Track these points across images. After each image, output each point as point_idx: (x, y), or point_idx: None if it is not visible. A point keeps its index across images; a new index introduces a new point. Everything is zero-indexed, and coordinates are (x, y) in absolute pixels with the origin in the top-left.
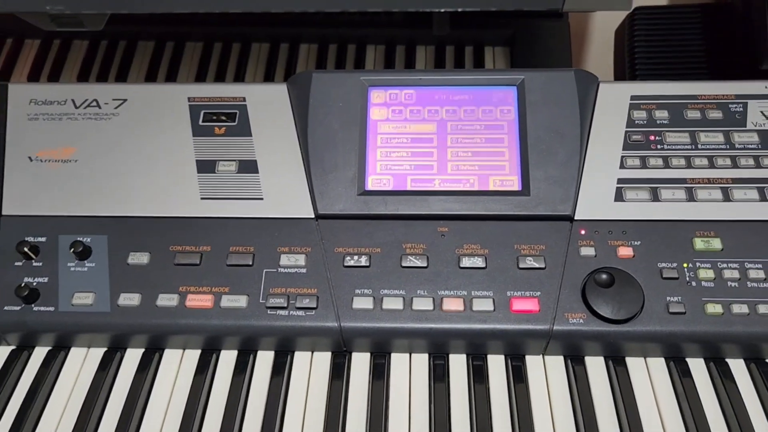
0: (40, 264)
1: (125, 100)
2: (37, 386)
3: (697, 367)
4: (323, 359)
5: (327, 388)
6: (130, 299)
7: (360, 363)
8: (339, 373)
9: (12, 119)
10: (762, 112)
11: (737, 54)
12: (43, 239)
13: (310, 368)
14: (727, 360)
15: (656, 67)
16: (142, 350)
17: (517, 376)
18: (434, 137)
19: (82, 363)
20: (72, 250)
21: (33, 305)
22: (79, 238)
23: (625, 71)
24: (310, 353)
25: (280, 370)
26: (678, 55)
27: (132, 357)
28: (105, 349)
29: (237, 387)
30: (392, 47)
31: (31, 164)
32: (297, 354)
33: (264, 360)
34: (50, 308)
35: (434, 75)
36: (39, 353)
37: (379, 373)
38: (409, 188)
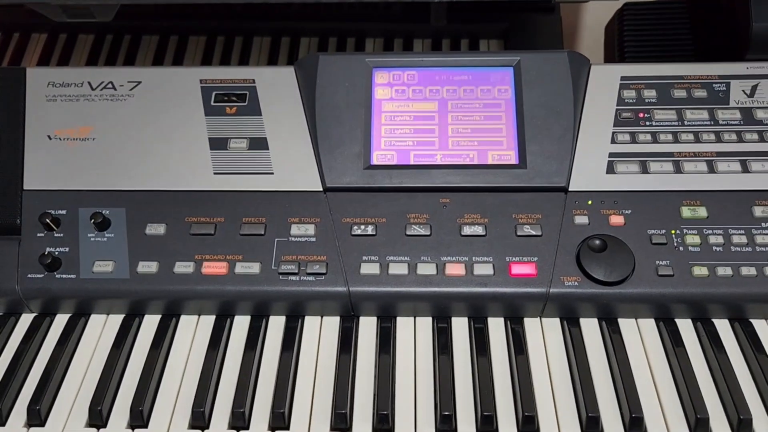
0: (62, 235)
1: (140, 83)
2: (59, 351)
3: (685, 327)
4: (332, 323)
5: (336, 351)
6: (148, 267)
7: (367, 326)
8: (347, 336)
9: (31, 100)
10: (743, 90)
11: (723, 47)
12: (64, 212)
13: (320, 332)
14: (713, 320)
15: (646, 60)
16: (160, 316)
17: (516, 338)
18: (435, 115)
19: (102, 328)
20: (92, 221)
21: (56, 273)
22: (98, 210)
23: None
24: (319, 318)
25: (292, 334)
26: (667, 49)
27: (150, 322)
28: (124, 315)
29: (250, 350)
30: (390, 40)
31: (50, 142)
32: (307, 318)
33: (276, 325)
34: (72, 275)
35: (435, 57)
36: (60, 320)
37: (386, 336)
38: (412, 162)
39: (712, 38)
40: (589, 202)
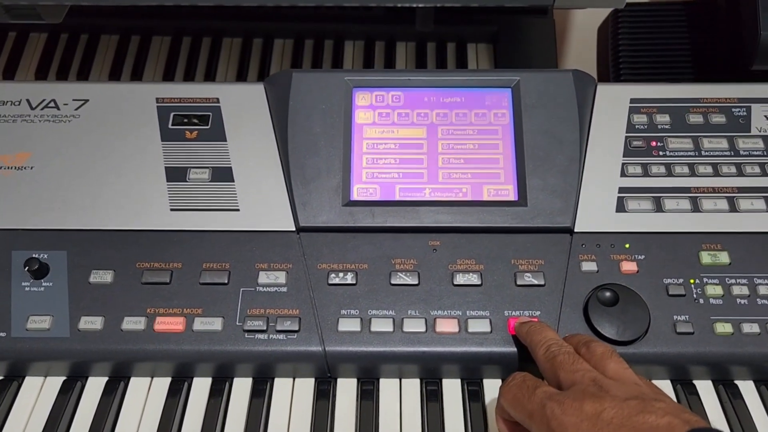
0: None
1: (87, 101)
2: None
3: (705, 389)
4: (306, 386)
5: (310, 418)
6: (92, 323)
7: (346, 390)
8: (323, 401)
9: None
10: (766, 116)
11: (723, 53)
12: None
13: (292, 396)
14: (736, 382)
15: (641, 64)
16: (106, 379)
17: None
18: (424, 143)
19: (38, 394)
20: (27, 267)
21: None
22: (34, 255)
23: (608, 68)
24: (291, 380)
25: (259, 399)
26: (663, 52)
27: (94, 386)
28: (64, 378)
29: (212, 418)
30: (372, 43)
31: None
32: (277, 381)
33: (241, 388)
34: (1, 334)
35: (423, 75)
36: None
37: (368, 401)
38: (397, 198)
39: (711, 44)
40: (598, 246)
